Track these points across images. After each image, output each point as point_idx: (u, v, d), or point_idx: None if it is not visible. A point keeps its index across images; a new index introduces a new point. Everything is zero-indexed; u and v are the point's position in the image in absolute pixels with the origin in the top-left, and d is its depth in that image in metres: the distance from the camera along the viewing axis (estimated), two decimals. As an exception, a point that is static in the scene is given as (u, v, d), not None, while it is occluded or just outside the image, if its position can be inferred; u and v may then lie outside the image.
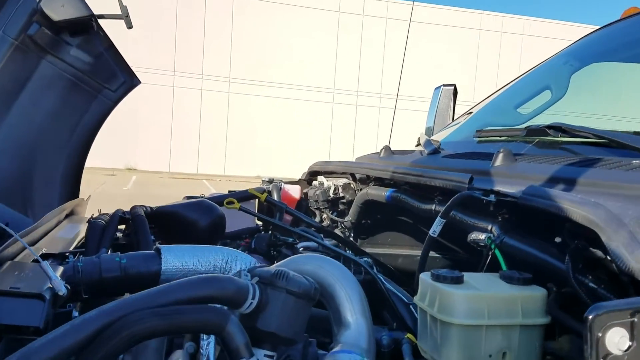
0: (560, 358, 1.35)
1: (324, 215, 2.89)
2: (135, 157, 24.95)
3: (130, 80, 2.83)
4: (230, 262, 1.68)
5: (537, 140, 2.05)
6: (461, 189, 1.70)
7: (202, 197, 3.03)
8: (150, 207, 2.24)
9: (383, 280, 1.99)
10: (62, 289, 1.28)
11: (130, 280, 1.54)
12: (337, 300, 1.40)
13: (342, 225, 2.82)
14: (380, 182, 2.47)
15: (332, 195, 2.76)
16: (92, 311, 1.04)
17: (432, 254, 2.66)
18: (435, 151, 2.25)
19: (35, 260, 1.56)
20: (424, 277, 1.42)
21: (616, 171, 1.48)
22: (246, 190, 2.67)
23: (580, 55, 2.98)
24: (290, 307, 1.20)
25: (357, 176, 2.68)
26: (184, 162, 25.52)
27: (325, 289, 1.41)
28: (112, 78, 2.84)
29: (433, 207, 1.96)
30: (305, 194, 2.94)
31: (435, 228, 1.65)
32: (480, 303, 1.29)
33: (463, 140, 2.58)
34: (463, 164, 1.93)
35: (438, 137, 3.15)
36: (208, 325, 1.05)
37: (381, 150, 2.63)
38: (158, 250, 1.61)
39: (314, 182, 3.00)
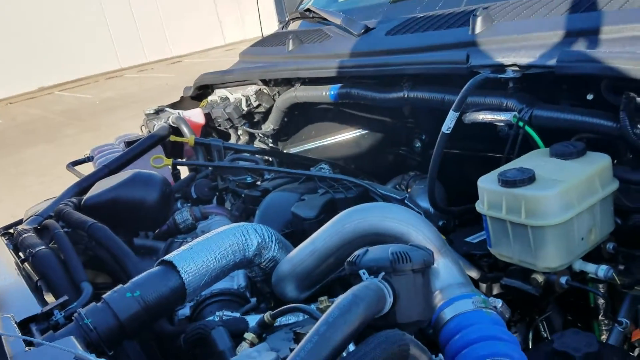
0: None
1: (240, 132, 2.58)
2: None
3: None
4: (245, 240, 1.43)
5: None
6: (459, 71, 1.55)
7: (86, 157, 2.55)
8: (75, 201, 1.80)
9: (373, 186, 1.86)
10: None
11: (154, 309, 1.25)
12: (416, 246, 1.24)
13: (261, 135, 2.56)
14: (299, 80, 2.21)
15: (245, 109, 2.44)
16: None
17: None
18: (367, 29, 2.02)
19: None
20: (488, 185, 1.31)
21: (613, 13, 1.40)
22: (150, 137, 2.25)
23: None
24: (420, 285, 1.04)
25: (268, 79, 2.37)
26: None
27: (399, 239, 1.25)
28: None
29: (404, 95, 1.80)
30: (208, 115, 2.57)
31: (449, 124, 1.51)
32: (570, 195, 1.23)
33: (369, 5, 2.34)
34: (427, 38, 1.74)
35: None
36: (394, 357, 0.86)
37: (288, 42, 2.32)
38: (167, 262, 1.31)
39: (211, 98, 2.62)
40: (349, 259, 1.06)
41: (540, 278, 1.30)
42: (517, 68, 1.45)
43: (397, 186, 2.19)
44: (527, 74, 1.42)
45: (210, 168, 2.09)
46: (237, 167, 1.99)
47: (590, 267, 1.28)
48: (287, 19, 3.03)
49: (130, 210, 1.76)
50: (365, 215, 1.27)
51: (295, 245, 1.54)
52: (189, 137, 2.06)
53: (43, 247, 1.51)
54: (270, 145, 2.62)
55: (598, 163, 1.29)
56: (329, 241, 1.29)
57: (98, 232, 1.53)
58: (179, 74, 15.77)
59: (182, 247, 1.37)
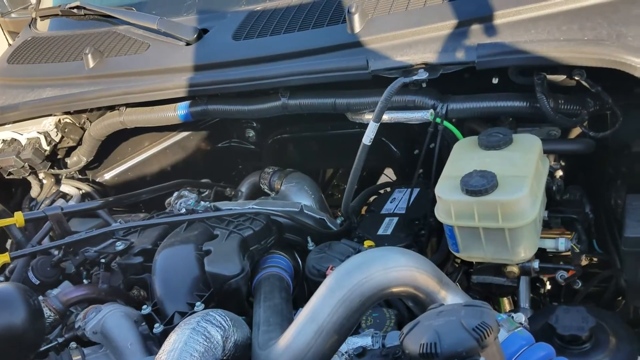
0: None
1: (41, 176, 2.03)
2: None
3: None
4: (209, 341, 1.18)
5: None
6: (359, 77, 1.43)
7: None
8: None
9: (266, 206, 1.68)
10: None
11: None
12: (422, 289, 1.15)
13: (69, 173, 2.09)
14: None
15: (47, 148, 1.91)
16: None
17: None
18: (199, 36, 1.70)
19: None
20: (452, 197, 1.27)
21: None
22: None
23: None
24: (499, 346, 0.98)
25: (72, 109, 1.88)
26: None
27: (406, 285, 1.14)
28: None
29: (281, 103, 1.61)
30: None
31: (371, 135, 1.39)
32: (534, 188, 1.26)
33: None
34: (296, 42, 1.53)
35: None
36: None
37: (86, 57, 1.82)
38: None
39: None
40: (421, 351, 0.92)
41: (516, 270, 1.34)
42: (424, 66, 1.39)
43: (262, 186, 2.02)
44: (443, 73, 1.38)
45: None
46: (100, 234, 1.58)
47: (549, 243, 1.36)
48: (32, 15, 2.44)
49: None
50: (367, 274, 1.12)
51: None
52: (12, 216, 1.53)
53: None
54: (78, 178, 2.16)
55: (535, 146, 1.34)
56: (336, 315, 1.11)
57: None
58: None
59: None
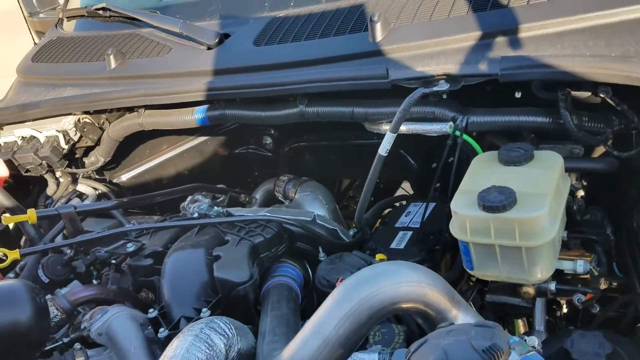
0: None
1: (58, 174, 2.05)
2: None
3: None
4: (212, 350, 1.16)
5: None
6: (378, 86, 1.41)
7: None
8: None
9: (279, 213, 1.66)
10: None
11: None
12: (432, 307, 1.12)
13: (86, 173, 2.09)
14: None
15: (66, 147, 1.93)
16: None
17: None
18: (221, 40, 1.70)
19: None
20: (468, 212, 1.23)
21: (523, 9, 1.39)
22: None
23: None
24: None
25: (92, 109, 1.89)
26: None
27: (416, 302, 1.11)
28: None
29: (299, 111, 1.60)
30: (9, 162, 1.97)
31: (387, 146, 1.37)
32: (553, 207, 1.22)
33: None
34: (317, 49, 1.52)
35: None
36: None
37: (108, 58, 1.84)
38: None
39: (4, 140, 2.00)
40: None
41: (532, 290, 1.30)
42: (445, 77, 1.36)
43: (277, 193, 2.00)
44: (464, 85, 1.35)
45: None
46: (112, 234, 1.57)
47: (567, 265, 1.32)
48: (59, 15, 2.46)
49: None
50: (377, 288, 1.09)
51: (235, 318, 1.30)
52: (29, 214, 1.54)
53: None
54: (95, 178, 2.17)
55: (556, 164, 1.30)
56: (342, 328, 1.08)
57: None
58: None
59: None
